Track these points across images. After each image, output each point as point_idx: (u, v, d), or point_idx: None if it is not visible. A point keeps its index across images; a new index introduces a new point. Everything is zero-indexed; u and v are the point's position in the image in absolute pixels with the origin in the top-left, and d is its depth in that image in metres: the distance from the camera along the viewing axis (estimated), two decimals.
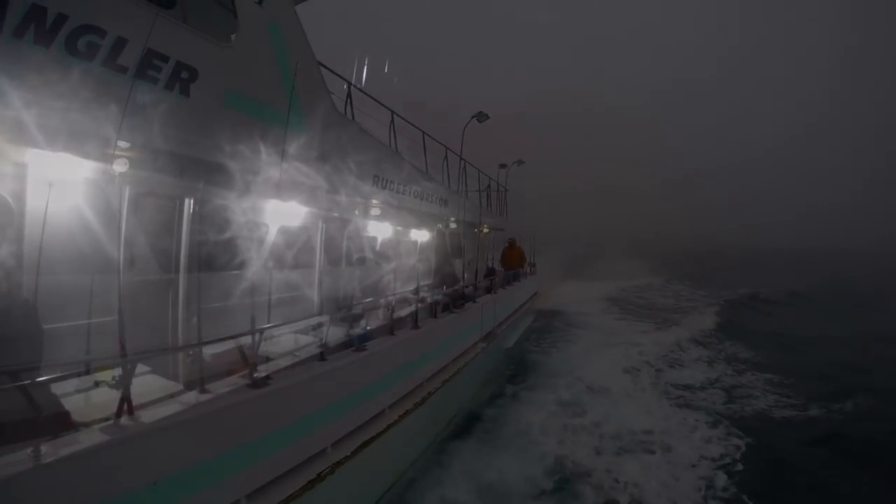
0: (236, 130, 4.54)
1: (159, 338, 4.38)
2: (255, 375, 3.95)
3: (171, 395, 3.80)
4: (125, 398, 3.10)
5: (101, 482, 2.68)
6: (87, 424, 3.01)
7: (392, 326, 6.37)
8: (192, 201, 4.64)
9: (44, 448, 2.51)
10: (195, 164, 4.32)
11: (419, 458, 6.86)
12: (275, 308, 5.71)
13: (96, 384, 3.25)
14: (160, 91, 3.70)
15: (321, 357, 4.85)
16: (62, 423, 3.04)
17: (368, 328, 6.81)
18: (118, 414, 3.21)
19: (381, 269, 8.17)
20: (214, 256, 4.94)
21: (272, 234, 5.43)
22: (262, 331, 3.98)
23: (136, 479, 2.86)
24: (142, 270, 4.22)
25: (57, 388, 3.14)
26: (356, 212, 7.74)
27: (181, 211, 4.59)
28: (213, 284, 4.91)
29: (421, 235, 9.77)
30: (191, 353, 4.12)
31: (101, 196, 3.85)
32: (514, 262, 15.66)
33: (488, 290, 11.77)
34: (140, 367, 3.53)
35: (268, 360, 4.10)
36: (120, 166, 3.76)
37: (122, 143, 3.56)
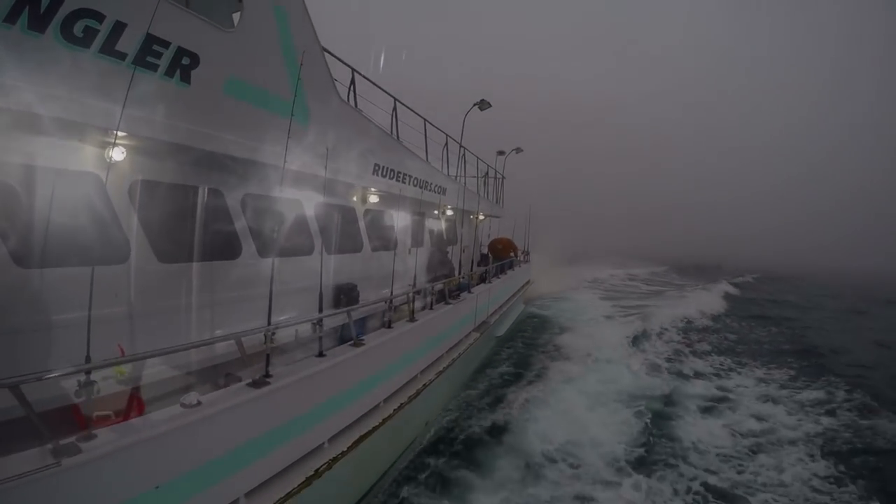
0: (237, 118, 4.38)
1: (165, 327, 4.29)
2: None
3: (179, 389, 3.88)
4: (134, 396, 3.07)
5: (107, 486, 2.66)
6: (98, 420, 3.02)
7: (389, 320, 6.32)
8: (193, 190, 4.51)
9: (50, 452, 2.49)
10: (196, 153, 4.18)
11: (411, 446, 6.93)
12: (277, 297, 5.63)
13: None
14: (160, 78, 3.53)
15: (320, 353, 4.80)
16: (73, 419, 3.04)
17: (366, 318, 6.82)
18: (127, 410, 3.16)
19: (379, 256, 8.09)
20: (216, 245, 4.82)
21: (274, 222, 5.31)
22: (271, 330, 3.92)
23: (141, 483, 2.84)
24: (141, 259, 4.09)
25: (66, 383, 3.07)
26: (354, 198, 7.63)
27: (182, 200, 4.45)
28: (212, 273, 4.80)
29: (417, 222, 9.66)
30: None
31: (98, 185, 3.69)
32: (504, 252, 15.71)
33: (482, 280, 11.75)
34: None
35: (268, 357, 4.03)
36: (117, 155, 3.63)
37: (120, 132, 3.41)
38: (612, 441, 7.77)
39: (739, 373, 12.49)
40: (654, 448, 7.75)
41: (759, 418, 9.28)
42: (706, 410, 9.57)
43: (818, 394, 10.92)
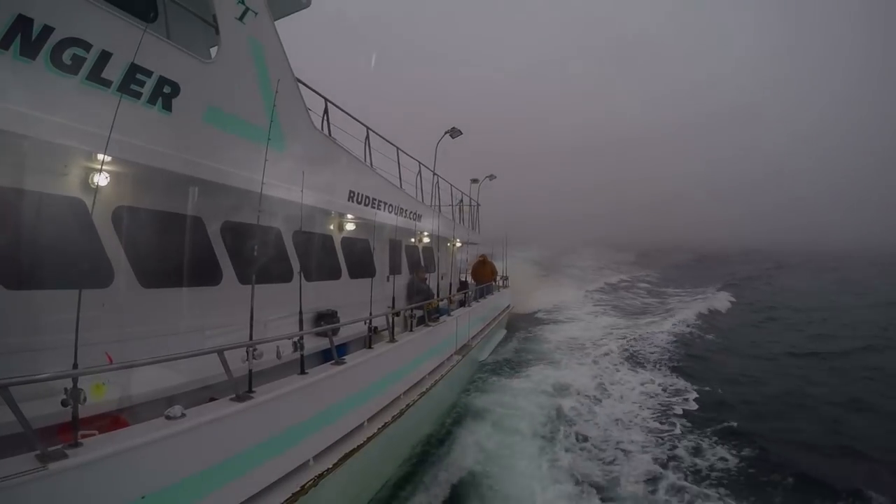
0: (217, 146, 4.58)
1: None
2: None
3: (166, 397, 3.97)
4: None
5: (94, 494, 2.66)
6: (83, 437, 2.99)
7: (369, 340, 6.39)
8: (174, 217, 4.63)
9: (37, 458, 2.49)
10: (177, 180, 4.33)
11: (398, 469, 6.87)
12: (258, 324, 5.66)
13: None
14: (143, 105, 3.73)
15: (301, 370, 4.85)
16: (60, 430, 2.99)
17: (348, 343, 6.86)
18: (113, 420, 3.17)
19: (357, 283, 8.19)
20: (197, 271, 4.91)
21: (253, 249, 5.42)
22: (253, 345, 3.99)
23: (127, 492, 2.83)
24: (123, 283, 4.15)
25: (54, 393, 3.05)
26: (331, 226, 7.80)
27: (163, 226, 4.56)
28: (192, 299, 4.86)
29: (394, 249, 9.85)
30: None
31: (83, 210, 3.80)
32: (485, 276, 15.91)
33: (462, 304, 11.90)
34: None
35: (250, 372, 4.08)
36: (101, 180, 3.76)
37: (105, 157, 3.56)
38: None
39: None
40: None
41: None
42: None
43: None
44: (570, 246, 59.03)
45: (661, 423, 9.07)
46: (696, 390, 10.94)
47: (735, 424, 8.79)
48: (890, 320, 21.02)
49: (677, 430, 8.63)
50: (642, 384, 11.49)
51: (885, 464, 7.34)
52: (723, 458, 7.57)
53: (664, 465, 7.28)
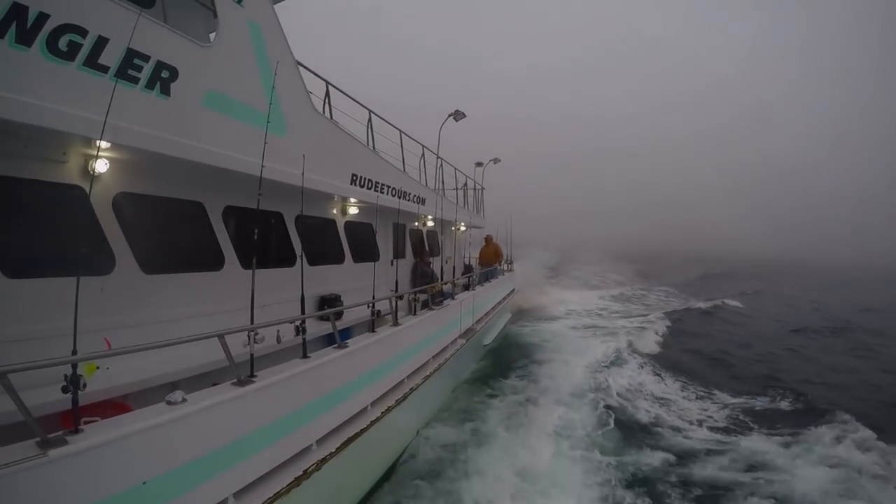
0: (216, 130, 4.55)
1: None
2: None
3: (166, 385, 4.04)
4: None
5: (95, 479, 2.70)
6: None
7: (372, 324, 6.42)
8: (175, 202, 4.63)
9: (37, 444, 2.53)
10: (177, 166, 4.31)
11: (403, 453, 6.98)
12: (261, 309, 5.69)
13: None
14: (141, 90, 3.70)
15: (304, 354, 4.89)
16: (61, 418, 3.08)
17: (351, 328, 6.92)
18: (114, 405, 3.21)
19: (361, 267, 8.21)
20: (199, 256, 4.94)
21: (255, 233, 5.44)
22: (254, 329, 4.01)
23: (128, 478, 2.87)
24: (125, 270, 4.19)
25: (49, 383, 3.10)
26: (334, 210, 7.79)
27: (164, 212, 4.57)
28: (194, 284, 4.90)
29: (398, 233, 9.84)
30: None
31: (83, 197, 3.81)
32: (489, 257, 15.84)
33: (466, 288, 11.91)
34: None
35: (252, 356, 4.12)
36: (101, 167, 3.76)
37: (103, 143, 3.55)
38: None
39: None
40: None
41: None
42: None
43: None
44: (581, 251, 60.17)
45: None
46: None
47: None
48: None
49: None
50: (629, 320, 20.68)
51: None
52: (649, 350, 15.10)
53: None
